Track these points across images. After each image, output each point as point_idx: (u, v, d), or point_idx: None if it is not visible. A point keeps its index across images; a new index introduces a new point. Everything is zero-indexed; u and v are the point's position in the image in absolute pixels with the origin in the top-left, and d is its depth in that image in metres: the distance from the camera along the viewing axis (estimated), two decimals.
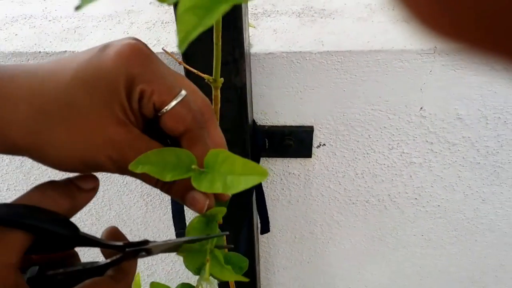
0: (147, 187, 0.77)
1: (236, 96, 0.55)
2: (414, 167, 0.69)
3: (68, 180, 0.27)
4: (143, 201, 0.79)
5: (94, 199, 0.81)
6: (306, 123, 0.66)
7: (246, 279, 0.43)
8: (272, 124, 0.67)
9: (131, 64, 0.25)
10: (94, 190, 0.28)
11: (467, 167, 0.68)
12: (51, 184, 0.26)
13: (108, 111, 0.25)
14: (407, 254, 0.83)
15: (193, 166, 0.26)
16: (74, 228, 0.25)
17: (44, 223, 0.23)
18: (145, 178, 0.27)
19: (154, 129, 0.28)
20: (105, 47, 0.25)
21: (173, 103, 0.26)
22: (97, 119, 0.24)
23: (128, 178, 0.76)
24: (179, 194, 0.28)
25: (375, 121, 0.64)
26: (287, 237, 0.85)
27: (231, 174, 0.25)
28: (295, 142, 0.67)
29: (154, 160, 0.25)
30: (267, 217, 0.71)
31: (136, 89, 0.25)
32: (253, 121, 0.65)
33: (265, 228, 0.72)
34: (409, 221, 0.77)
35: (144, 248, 0.28)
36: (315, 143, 0.68)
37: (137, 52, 0.25)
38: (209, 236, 0.31)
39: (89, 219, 0.84)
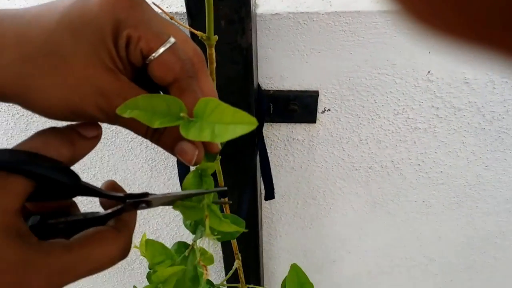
0: (151, 152, 0.78)
1: (241, 58, 0.54)
2: (418, 132, 0.69)
3: (70, 127, 0.27)
4: (148, 166, 0.79)
5: (99, 164, 0.81)
6: (311, 87, 0.65)
7: (244, 230, 0.43)
8: (277, 89, 0.66)
9: (117, 8, 0.24)
10: (96, 138, 0.27)
11: (472, 132, 0.68)
12: (53, 130, 0.26)
13: (95, 58, 0.24)
14: (407, 220, 0.84)
15: (181, 114, 0.26)
16: (76, 176, 0.25)
17: (45, 170, 0.23)
18: (134, 126, 0.27)
19: (144, 80, 0.27)
20: None
21: (161, 50, 0.25)
22: (84, 67, 0.24)
23: (133, 143, 0.76)
24: (168, 144, 0.28)
25: (381, 85, 0.63)
26: (289, 203, 0.86)
27: (220, 123, 0.25)
28: (300, 107, 0.66)
29: (142, 105, 0.25)
30: (272, 183, 0.71)
31: (122, 34, 0.24)
32: (258, 85, 0.65)
33: (270, 194, 0.72)
34: (411, 187, 0.78)
35: (144, 200, 0.28)
36: (319, 108, 0.68)
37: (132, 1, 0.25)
38: (208, 191, 0.32)
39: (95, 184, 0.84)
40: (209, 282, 0.60)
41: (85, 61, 0.24)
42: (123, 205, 0.27)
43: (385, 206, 0.82)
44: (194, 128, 0.26)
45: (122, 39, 0.25)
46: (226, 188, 0.33)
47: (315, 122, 0.69)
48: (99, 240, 0.25)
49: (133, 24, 0.24)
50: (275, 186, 0.82)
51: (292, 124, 0.71)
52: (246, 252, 0.84)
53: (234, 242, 0.60)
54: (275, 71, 0.64)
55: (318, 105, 0.67)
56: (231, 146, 0.66)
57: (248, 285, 0.63)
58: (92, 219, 0.27)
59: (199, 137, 0.25)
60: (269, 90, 0.66)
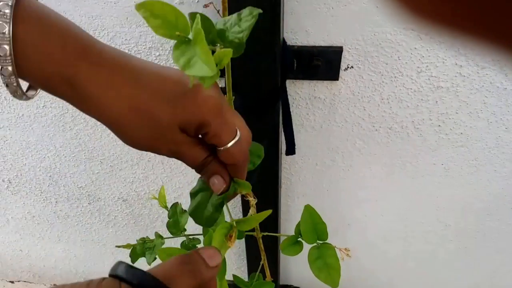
0: None
1: (269, 7, 0.56)
2: (441, 91, 0.70)
3: (197, 254, 0.32)
4: None
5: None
6: (336, 43, 0.66)
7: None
8: (301, 44, 0.68)
9: (210, 114, 0.32)
10: (217, 267, 0.32)
11: (494, 92, 0.68)
12: (185, 259, 0.31)
13: (177, 127, 0.33)
14: (425, 184, 0.85)
15: (177, 33, 0.30)
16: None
17: None
18: (189, 159, 0.35)
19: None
20: (197, 88, 0.32)
21: (229, 144, 0.34)
22: (170, 126, 0.32)
23: None
24: (207, 176, 0.37)
25: (406, 41, 0.64)
26: (308, 164, 0.88)
27: (199, 56, 0.29)
28: (323, 63, 0.68)
29: (156, 11, 0.28)
30: (293, 138, 0.73)
31: (203, 130, 0.33)
32: (283, 39, 0.66)
33: (291, 149, 0.74)
34: (430, 149, 0.79)
35: None
36: (343, 65, 0.69)
37: (217, 107, 0.32)
38: None
39: None
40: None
41: (171, 126, 0.32)
42: None
43: (403, 168, 0.84)
44: (181, 48, 0.29)
45: (202, 132, 0.33)
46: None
47: (337, 79, 0.70)
48: None
49: (214, 126, 0.32)
50: (295, 145, 0.84)
51: (315, 81, 0.72)
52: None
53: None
54: (301, 26, 0.65)
55: (342, 62, 0.68)
56: (253, 100, 0.68)
57: (263, 233, 0.65)
58: None
59: (175, 59, 0.28)
60: (294, 46, 0.67)
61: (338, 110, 0.76)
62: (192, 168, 0.36)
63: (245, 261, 1.06)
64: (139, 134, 0.32)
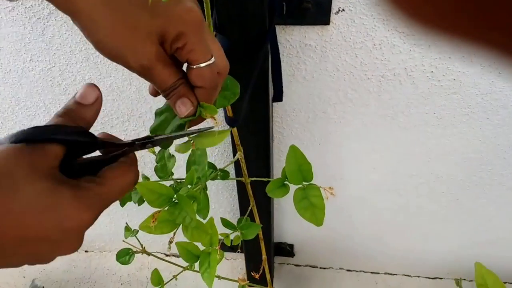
0: None
1: None
2: None
3: (73, 103, 0.32)
4: None
5: (114, 74, 0.83)
6: None
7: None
8: None
9: (190, 25, 0.32)
10: (97, 100, 0.32)
11: None
12: (65, 109, 0.32)
13: (154, 36, 0.32)
14: (417, 134, 0.85)
15: None
16: (93, 136, 0.31)
17: (71, 136, 0.30)
18: (159, 81, 0.34)
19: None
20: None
21: (202, 65, 0.34)
22: (145, 36, 0.31)
23: None
24: (175, 98, 0.36)
25: None
26: (300, 117, 0.87)
27: None
28: (313, 5, 0.66)
29: None
30: (281, 85, 0.72)
31: (180, 42, 0.32)
32: None
33: (278, 96, 0.73)
34: (422, 97, 0.78)
35: (150, 141, 0.35)
36: (334, 8, 0.67)
37: (197, 20, 0.32)
38: (202, 129, 0.38)
39: (110, 95, 0.87)
40: (211, 165, 0.63)
41: (147, 34, 0.31)
42: (132, 147, 0.34)
43: (395, 119, 0.83)
44: None
45: (178, 44, 0.32)
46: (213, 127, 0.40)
47: (328, 23, 0.69)
48: (120, 173, 0.32)
49: (192, 40, 0.32)
50: (286, 99, 0.83)
51: (305, 27, 0.71)
52: (257, 166, 0.86)
53: (235, 135, 0.62)
54: None
55: (332, 5, 0.66)
56: (239, 43, 0.67)
57: (251, 178, 0.65)
58: (104, 159, 0.33)
59: None
60: None
61: (329, 58, 0.74)
62: (161, 90, 0.36)
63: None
64: (110, 33, 0.30)
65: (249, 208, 0.67)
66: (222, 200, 1.15)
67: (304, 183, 0.53)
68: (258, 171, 0.86)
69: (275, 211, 1.15)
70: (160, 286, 0.66)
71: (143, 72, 0.33)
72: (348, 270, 1.32)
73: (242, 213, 1.11)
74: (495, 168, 0.89)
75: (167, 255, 1.45)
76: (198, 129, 0.39)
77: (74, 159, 0.31)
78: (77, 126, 0.31)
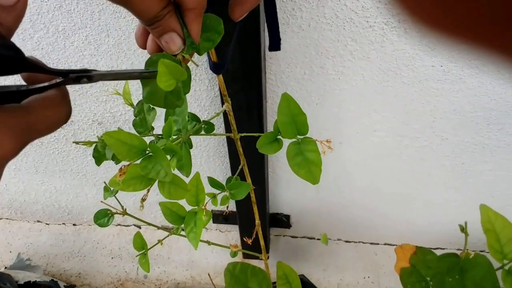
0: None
1: None
2: None
3: None
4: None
5: (89, 24, 0.75)
6: None
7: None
8: None
9: None
10: (20, 1, 0.25)
11: None
12: None
13: None
14: (422, 91, 0.79)
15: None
16: (20, 51, 0.25)
17: None
18: (142, 10, 0.30)
19: None
20: None
21: None
22: None
23: None
24: (161, 31, 0.32)
25: None
26: (296, 74, 0.80)
27: None
28: None
29: None
30: (278, 30, 0.65)
31: None
32: None
33: (275, 44, 0.66)
34: (429, 48, 0.71)
35: (86, 75, 0.29)
36: None
37: None
38: (149, 71, 0.33)
39: (88, 48, 0.79)
40: (194, 117, 0.56)
41: None
42: (64, 79, 0.28)
43: (398, 73, 0.76)
44: None
45: None
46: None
47: None
48: (51, 104, 0.27)
49: None
50: (280, 53, 0.76)
51: None
52: (249, 124, 0.80)
53: (222, 83, 0.55)
54: None
55: None
56: None
57: (240, 134, 0.59)
58: (31, 90, 0.27)
59: None
60: None
61: (327, 2, 0.67)
62: (143, 21, 0.31)
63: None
64: None
65: (239, 167, 0.61)
66: (213, 163, 1.09)
67: (298, 136, 0.47)
68: (250, 129, 0.80)
69: (271, 179, 1.10)
70: (143, 251, 0.60)
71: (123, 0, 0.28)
72: (347, 241, 1.28)
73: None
74: (504, 128, 0.83)
75: (158, 228, 1.40)
76: (142, 69, 0.34)
77: None
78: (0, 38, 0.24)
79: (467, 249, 0.38)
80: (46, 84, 0.28)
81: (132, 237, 1.43)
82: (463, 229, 0.36)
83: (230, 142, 0.85)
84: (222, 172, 1.11)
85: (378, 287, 1.22)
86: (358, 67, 0.77)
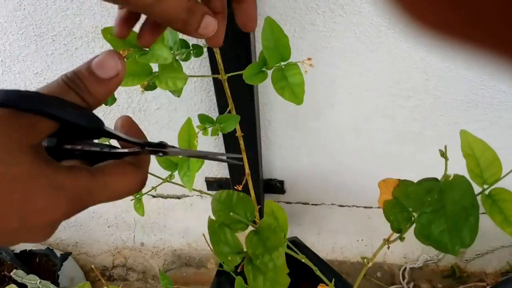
0: None
1: None
2: None
3: (86, 71, 0.25)
4: None
5: None
6: None
7: None
8: None
9: None
10: (117, 77, 0.25)
11: None
12: (72, 77, 0.25)
13: None
14: (415, 47, 0.77)
15: None
16: (99, 121, 0.25)
17: (70, 115, 0.24)
18: (170, 17, 0.27)
19: None
20: None
21: None
22: None
23: None
24: (197, 21, 0.28)
25: None
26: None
27: None
28: None
29: None
30: None
31: None
32: None
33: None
34: None
35: (162, 151, 0.29)
36: None
37: None
38: (223, 155, 0.33)
39: (70, 8, 0.76)
40: (184, 43, 0.55)
41: None
42: (142, 150, 0.28)
43: (391, 29, 0.74)
44: None
45: None
46: (240, 155, 0.38)
47: None
48: (121, 171, 0.26)
49: None
50: (268, 7, 0.74)
51: None
52: (240, 99, 0.79)
53: None
54: None
55: None
56: None
57: (227, 74, 0.58)
58: (109, 153, 0.27)
59: None
60: None
61: None
62: (173, 24, 0.27)
63: None
64: None
65: (228, 110, 0.60)
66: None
67: (282, 63, 0.48)
68: (242, 100, 0.78)
69: (263, 145, 1.09)
70: (138, 195, 0.60)
71: (144, 8, 0.25)
72: (340, 206, 1.29)
73: (227, 146, 1.05)
74: (497, 84, 0.82)
75: (154, 197, 1.41)
76: (223, 154, 0.35)
77: (65, 143, 0.26)
78: (82, 107, 0.25)
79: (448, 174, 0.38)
80: (126, 150, 0.28)
81: (127, 207, 1.43)
82: (443, 153, 0.35)
83: (217, 85, 0.83)
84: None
85: (372, 249, 1.23)
86: (349, 23, 0.74)
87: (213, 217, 0.35)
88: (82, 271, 1.31)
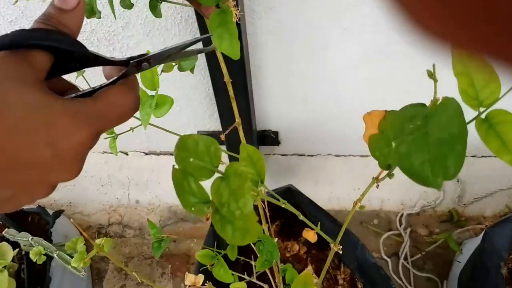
0: None
1: None
2: None
3: (53, 9, 0.27)
4: None
5: None
6: None
7: None
8: None
9: None
10: (79, 5, 0.28)
11: None
12: (43, 18, 0.27)
13: None
14: None
15: None
16: (83, 46, 0.27)
17: (61, 44, 0.26)
18: None
19: None
20: None
21: None
22: None
23: None
24: None
25: None
26: None
27: None
28: None
29: None
30: None
31: None
32: None
33: None
34: None
35: (145, 59, 0.30)
36: None
37: None
38: (201, 38, 0.32)
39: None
40: None
41: None
42: (127, 68, 0.30)
43: None
44: None
45: None
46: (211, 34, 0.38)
47: None
48: (117, 91, 0.28)
49: None
50: None
51: None
52: None
53: None
54: None
55: None
56: None
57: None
58: (101, 87, 0.29)
59: None
60: None
61: None
62: None
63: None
64: None
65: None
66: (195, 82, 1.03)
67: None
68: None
69: (255, 93, 1.04)
70: (113, 135, 0.57)
71: None
72: (337, 156, 1.26)
73: (217, 95, 1.00)
74: None
75: (146, 154, 1.38)
76: (192, 47, 0.34)
77: (61, 73, 0.28)
78: (66, 34, 0.27)
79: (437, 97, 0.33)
80: (114, 78, 0.29)
81: (120, 164, 1.41)
82: (431, 74, 0.31)
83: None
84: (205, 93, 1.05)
85: (368, 197, 1.22)
86: None
87: (177, 167, 0.31)
88: (77, 230, 1.30)
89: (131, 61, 0.30)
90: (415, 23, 0.12)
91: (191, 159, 0.31)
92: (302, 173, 1.30)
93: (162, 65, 0.53)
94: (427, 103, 0.33)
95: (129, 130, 0.58)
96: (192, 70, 0.55)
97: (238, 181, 0.30)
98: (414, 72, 0.92)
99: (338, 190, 1.27)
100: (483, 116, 0.32)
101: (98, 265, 1.28)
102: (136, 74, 0.31)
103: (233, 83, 0.88)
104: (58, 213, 1.15)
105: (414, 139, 0.29)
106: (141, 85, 0.48)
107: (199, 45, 0.34)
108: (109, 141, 0.57)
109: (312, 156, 1.28)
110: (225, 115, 1.05)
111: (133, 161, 1.38)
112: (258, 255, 0.60)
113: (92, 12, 0.46)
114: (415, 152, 0.29)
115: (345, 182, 1.27)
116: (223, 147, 1.23)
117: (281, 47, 0.89)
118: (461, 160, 0.30)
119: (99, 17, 0.49)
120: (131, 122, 0.54)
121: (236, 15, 0.37)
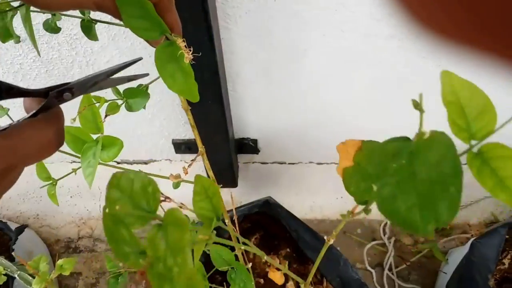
0: None
1: None
2: None
3: None
4: None
5: None
6: None
7: None
8: None
9: None
10: None
11: None
12: None
13: None
14: None
15: None
16: None
17: None
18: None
19: None
20: None
21: None
22: None
23: None
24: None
25: None
26: None
27: None
28: None
29: None
30: None
31: None
32: None
33: None
34: None
35: (66, 88, 0.28)
36: None
37: None
38: (130, 62, 0.31)
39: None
40: None
41: None
42: (46, 100, 0.27)
43: None
44: None
45: None
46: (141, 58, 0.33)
47: None
48: (34, 126, 0.26)
49: None
50: None
51: None
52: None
53: None
54: None
55: None
56: None
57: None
58: (18, 122, 0.26)
59: None
60: None
61: None
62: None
63: None
64: None
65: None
66: None
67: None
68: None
69: (232, 100, 0.98)
70: (51, 181, 0.51)
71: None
72: (319, 163, 1.22)
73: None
74: None
75: (118, 163, 1.30)
76: (128, 75, 0.33)
77: None
78: None
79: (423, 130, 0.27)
80: (34, 111, 0.27)
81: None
82: (417, 104, 0.25)
83: None
84: None
85: (352, 206, 1.18)
86: None
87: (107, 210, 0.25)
88: (44, 244, 1.22)
89: (51, 92, 0.28)
90: (429, 27, 0.12)
91: (124, 202, 0.25)
92: (283, 181, 1.24)
93: (106, 106, 0.48)
94: (413, 120, 0.28)
95: (71, 172, 0.53)
96: (144, 107, 0.49)
97: (176, 232, 0.24)
98: (395, 78, 0.88)
99: (320, 198, 1.22)
100: (475, 149, 0.27)
101: (68, 282, 1.21)
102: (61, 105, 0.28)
103: (207, 90, 0.82)
104: (21, 229, 1.07)
105: (399, 180, 0.24)
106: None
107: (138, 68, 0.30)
108: (47, 188, 0.52)
109: (293, 164, 1.23)
110: (200, 124, 0.99)
111: (104, 170, 1.30)
112: (230, 284, 0.55)
113: (9, 35, 0.40)
114: (400, 195, 0.24)
115: (328, 190, 1.23)
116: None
117: (259, 53, 0.84)
118: (456, 204, 0.25)
119: (18, 42, 0.43)
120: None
121: (186, 56, 0.30)
